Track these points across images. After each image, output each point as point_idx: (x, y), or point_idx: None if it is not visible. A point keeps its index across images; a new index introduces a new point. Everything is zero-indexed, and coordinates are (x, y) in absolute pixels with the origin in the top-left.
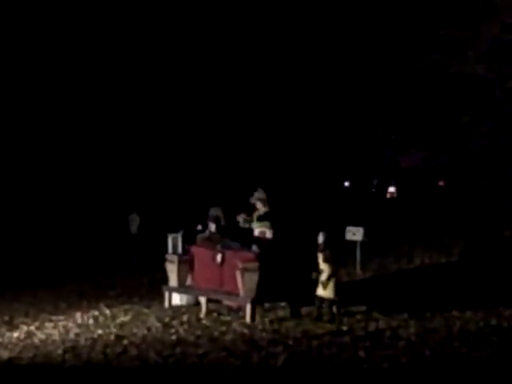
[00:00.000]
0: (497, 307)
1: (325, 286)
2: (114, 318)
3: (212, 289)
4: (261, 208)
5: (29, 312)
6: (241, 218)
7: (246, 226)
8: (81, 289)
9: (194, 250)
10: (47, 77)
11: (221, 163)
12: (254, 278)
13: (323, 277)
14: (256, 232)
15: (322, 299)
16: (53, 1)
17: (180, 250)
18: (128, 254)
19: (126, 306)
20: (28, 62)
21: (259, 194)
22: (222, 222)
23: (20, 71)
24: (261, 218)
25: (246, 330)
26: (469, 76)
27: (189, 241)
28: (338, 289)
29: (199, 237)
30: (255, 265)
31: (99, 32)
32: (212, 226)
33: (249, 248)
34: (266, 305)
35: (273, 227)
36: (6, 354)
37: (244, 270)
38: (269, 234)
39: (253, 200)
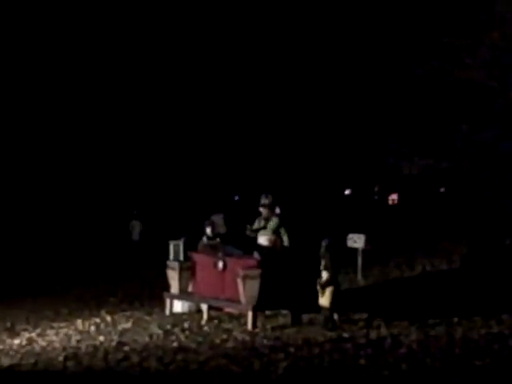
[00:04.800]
0: (498, 314)
1: (322, 294)
2: (115, 324)
3: (213, 296)
4: (267, 215)
5: (30, 319)
6: (249, 230)
7: (252, 235)
8: (82, 295)
9: (196, 256)
10: (47, 78)
11: (223, 170)
12: (255, 285)
13: (321, 284)
14: (265, 240)
15: (320, 307)
16: (53, 1)
17: (181, 256)
18: (130, 261)
19: (128, 313)
20: (28, 62)
21: (263, 199)
22: (223, 229)
23: (20, 71)
24: (271, 229)
25: (247, 337)
26: (469, 83)
27: (190, 247)
28: (335, 297)
29: (201, 243)
30: (257, 272)
31: (99, 32)
32: (208, 230)
33: (250, 255)
34: (268, 312)
35: (289, 236)
36: (7, 361)
37: (245, 277)
38: (285, 243)
39: (260, 207)
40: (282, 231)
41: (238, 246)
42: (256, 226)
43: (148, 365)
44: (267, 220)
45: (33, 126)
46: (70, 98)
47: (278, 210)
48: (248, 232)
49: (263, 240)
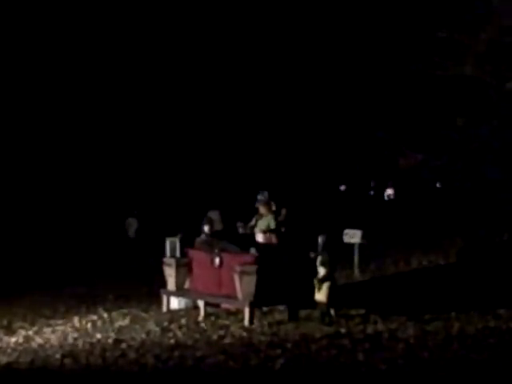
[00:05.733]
0: (495, 309)
1: (319, 289)
2: (112, 322)
3: (210, 292)
4: (264, 212)
5: (27, 316)
6: (240, 226)
7: (248, 231)
8: (79, 293)
9: (192, 253)
10: (47, 77)
11: (219, 167)
12: (252, 281)
13: (318, 280)
14: (260, 237)
15: (317, 302)
16: (53, 1)
17: (178, 253)
18: (126, 258)
19: (125, 310)
20: (28, 62)
21: (261, 196)
22: (219, 226)
23: (20, 71)
24: (267, 226)
25: (244, 334)
26: (466, 78)
27: (187, 244)
28: (332, 292)
29: (197, 240)
30: (253, 268)
31: (99, 32)
32: (206, 228)
33: (247, 251)
34: (265, 308)
35: (282, 233)
36: (4, 359)
37: (242, 273)
38: (274, 240)
39: (257, 203)
40: (272, 224)
41: (235, 242)
42: (253, 222)
43: (145, 361)
44: (263, 216)
45: (33, 125)
46: (69, 97)
47: (273, 207)
48: (241, 229)
49: (259, 237)
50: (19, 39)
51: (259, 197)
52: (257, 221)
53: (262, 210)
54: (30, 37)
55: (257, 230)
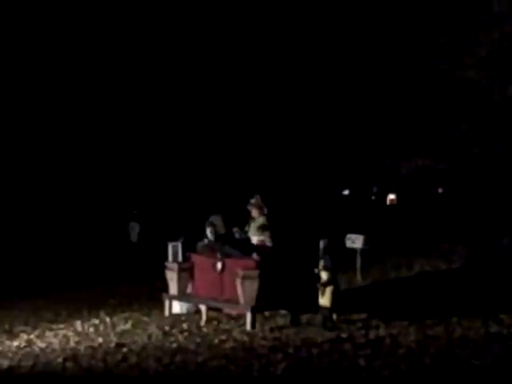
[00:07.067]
0: (497, 314)
1: (322, 294)
2: (114, 326)
3: (212, 297)
4: (256, 216)
5: (29, 320)
6: (236, 232)
7: (243, 236)
8: (81, 297)
9: (194, 257)
10: (47, 77)
11: (221, 171)
12: (254, 285)
13: (321, 284)
14: (254, 240)
15: (319, 307)
16: (53, 1)
17: (180, 257)
18: (128, 262)
19: (126, 314)
20: (28, 62)
21: (254, 200)
22: (222, 230)
23: (20, 71)
24: (259, 228)
25: (246, 338)
26: (468, 83)
27: (189, 249)
28: (335, 297)
29: (199, 245)
30: (255, 272)
31: (99, 32)
32: (208, 230)
33: (249, 256)
34: (266, 313)
35: (272, 236)
36: (5, 363)
37: (244, 278)
38: (268, 243)
39: (249, 207)
40: (265, 232)
41: (237, 247)
42: (247, 228)
43: (147, 366)
44: (255, 219)
45: (32, 125)
46: (69, 97)
47: (265, 210)
48: (237, 235)
49: (254, 240)
50: (19, 39)
51: (251, 200)
52: (250, 225)
53: (254, 212)
54: (30, 37)
55: (251, 233)
